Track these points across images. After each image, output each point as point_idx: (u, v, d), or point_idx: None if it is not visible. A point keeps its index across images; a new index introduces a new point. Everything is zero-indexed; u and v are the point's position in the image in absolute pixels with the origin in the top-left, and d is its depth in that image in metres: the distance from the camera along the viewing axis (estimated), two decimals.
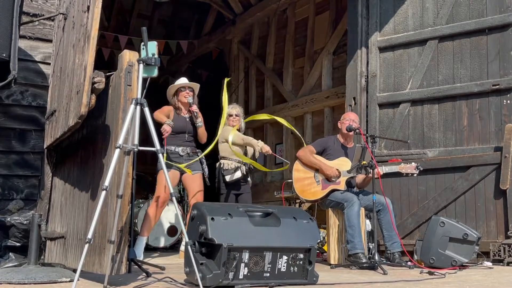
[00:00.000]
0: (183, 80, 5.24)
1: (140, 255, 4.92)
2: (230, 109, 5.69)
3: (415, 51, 5.81)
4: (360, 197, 4.96)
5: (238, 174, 5.44)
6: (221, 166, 5.51)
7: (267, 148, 5.41)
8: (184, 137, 5.11)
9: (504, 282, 3.59)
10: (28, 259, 3.49)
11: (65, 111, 3.86)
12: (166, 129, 4.90)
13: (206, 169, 5.21)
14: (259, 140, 5.52)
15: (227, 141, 5.47)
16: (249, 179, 5.68)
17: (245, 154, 5.58)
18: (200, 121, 5.11)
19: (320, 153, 5.18)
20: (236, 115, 5.64)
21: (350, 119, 5.19)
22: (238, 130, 5.64)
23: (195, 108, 5.08)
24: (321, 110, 7.98)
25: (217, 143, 5.36)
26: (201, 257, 3.01)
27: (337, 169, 4.99)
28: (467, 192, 5.24)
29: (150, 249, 5.57)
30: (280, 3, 8.59)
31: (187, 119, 5.14)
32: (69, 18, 4.27)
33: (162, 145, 4.92)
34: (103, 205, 2.87)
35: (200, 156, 5.12)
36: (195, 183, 5.12)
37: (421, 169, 4.84)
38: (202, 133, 5.19)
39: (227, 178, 5.43)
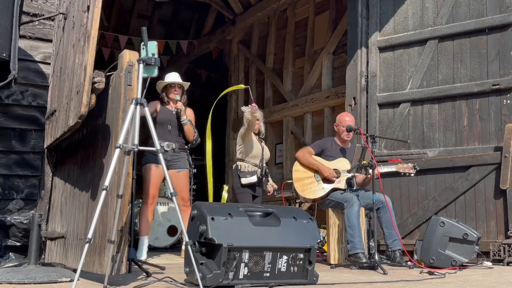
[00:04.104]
0: (173, 76, 5.21)
1: (144, 255, 4.93)
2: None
3: (415, 51, 5.81)
4: (360, 196, 4.96)
5: (253, 179, 5.44)
6: (239, 168, 5.49)
7: (248, 109, 5.30)
8: (166, 129, 5.04)
9: (504, 282, 3.59)
10: (28, 259, 3.49)
11: (65, 111, 3.86)
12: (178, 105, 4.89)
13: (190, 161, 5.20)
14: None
15: (241, 138, 5.50)
16: (270, 181, 5.72)
17: (262, 156, 5.57)
18: (185, 118, 5.05)
19: (318, 154, 5.19)
20: (257, 119, 5.64)
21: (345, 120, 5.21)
22: (258, 134, 5.67)
23: (179, 105, 5.02)
24: (321, 110, 7.98)
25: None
26: (201, 257, 3.01)
27: (335, 170, 5.01)
28: (467, 192, 5.25)
29: (150, 249, 5.57)
30: (280, 3, 8.59)
31: (173, 112, 5.09)
32: (69, 18, 4.27)
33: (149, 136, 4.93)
34: (103, 205, 2.86)
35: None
36: (180, 183, 5.09)
37: (418, 169, 4.89)
38: (188, 131, 5.13)
39: (243, 180, 5.42)
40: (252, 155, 5.51)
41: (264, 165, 5.57)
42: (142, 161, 5.03)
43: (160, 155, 3.01)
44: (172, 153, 5.05)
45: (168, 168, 4.97)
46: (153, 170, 4.95)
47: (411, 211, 5.55)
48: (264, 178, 5.61)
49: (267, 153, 5.68)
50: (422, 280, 3.64)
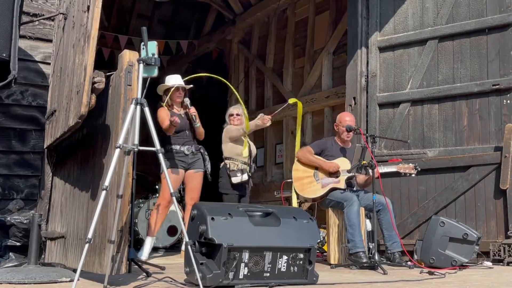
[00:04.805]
0: (176, 78, 5.19)
1: (146, 255, 4.94)
2: (232, 109, 5.75)
3: (415, 51, 5.81)
4: (360, 197, 4.96)
5: (245, 177, 5.42)
6: (227, 167, 5.46)
7: (267, 117, 5.40)
8: (185, 135, 5.12)
9: (504, 282, 3.59)
10: (28, 259, 3.49)
11: (65, 111, 3.86)
12: (176, 120, 4.87)
13: (208, 165, 5.23)
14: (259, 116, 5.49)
15: (231, 138, 5.49)
16: (250, 180, 5.70)
17: (250, 154, 5.57)
18: (198, 121, 5.13)
19: (318, 154, 5.20)
20: (237, 114, 5.65)
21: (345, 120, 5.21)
22: None
23: (193, 110, 5.08)
24: (321, 110, 7.98)
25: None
26: (201, 257, 3.01)
27: (336, 164, 5.02)
28: (467, 192, 5.24)
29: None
30: (280, 3, 8.59)
31: (183, 116, 5.13)
32: (69, 18, 4.27)
33: (166, 142, 4.94)
34: (103, 205, 2.87)
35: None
36: (194, 182, 5.14)
37: (419, 169, 4.87)
38: (201, 132, 5.22)
39: (234, 180, 5.40)
40: (240, 152, 5.47)
41: (252, 163, 5.57)
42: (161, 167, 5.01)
43: (161, 155, 3.02)
44: (192, 155, 5.12)
45: (188, 170, 5.06)
46: (174, 174, 4.97)
47: (411, 211, 5.55)
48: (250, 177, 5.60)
49: (254, 150, 5.67)
50: (422, 280, 3.64)
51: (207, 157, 5.23)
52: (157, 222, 5.08)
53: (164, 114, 5.02)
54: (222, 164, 5.60)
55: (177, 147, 5.04)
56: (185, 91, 5.17)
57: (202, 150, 5.21)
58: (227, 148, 5.52)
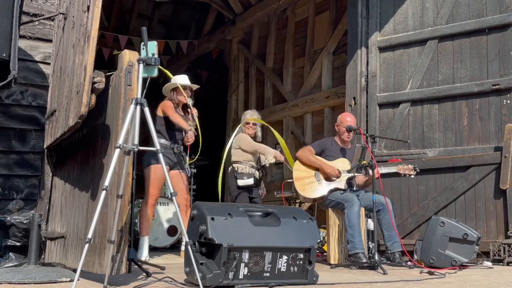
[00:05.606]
0: (184, 78, 5.21)
1: (145, 255, 4.94)
2: (249, 117, 5.72)
3: (415, 51, 5.81)
4: (360, 197, 4.96)
5: (250, 181, 5.43)
6: (235, 169, 5.49)
7: (279, 156, 5.36)
8: (182, 135, 5.11)
9: (504, 282, 3.59)
10: (28, 259, 3.49)
11: (65, 111, 3.86)
12: (192, 136, 4.90)
13: (188, 168, 5.24)
14: (275, 150, 5.49)
15: (240, 148, 5.53)
16: (262, 185, 5.70)
17: (258, 160, 5.57)
18: (194, 124, 5.11)
19: (319, 154, 5.20)
20: (253, 124, 5.64)
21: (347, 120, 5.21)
22: (254, 138, 5.65)
23: (196, 112, 5.05)
24: (321, 110, 7.99)
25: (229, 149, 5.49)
26: (201, 257, 3.01)
27: (337, 169, 5.02)
28: (467, 192, 5.24)
29: (150, 249, 5.60)
30: (280, 3, 8.60)
31: (189, 117, 5.12)
32: (69, 18, 4.27)
33: (159, 136, 4.92)
34: (103, 205, 2.86)
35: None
36: (181, 182, 5.13)
37: (418, 170, 4.89)
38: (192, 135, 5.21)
39: (240, 182, 5.41)
40: (249, 157, 5.50)
41: (260, 167, 5.58)
42: (143, 161, 5.03)
43: (160, 155, 3.01)
44: (178, 155, 5.12)
45: (173, 169, 5.05)
46: (157, 170, 4.96)
47: (411, 211, 5.55)
48: (261, 181, 5.59)
49: (263, 156, 5.66)
50: (422, 280, 3.64)
51: (187, 159, 5.24)
52: (149, 221, 5.09)
53: (172, 107, 5.00)
54: (230, 168, 5.62)
55: (168, 142, 5.00)
56: (192, 92, 5.17)
57: (183, 153, 5.22)
58: (237, 153, 5.56)
